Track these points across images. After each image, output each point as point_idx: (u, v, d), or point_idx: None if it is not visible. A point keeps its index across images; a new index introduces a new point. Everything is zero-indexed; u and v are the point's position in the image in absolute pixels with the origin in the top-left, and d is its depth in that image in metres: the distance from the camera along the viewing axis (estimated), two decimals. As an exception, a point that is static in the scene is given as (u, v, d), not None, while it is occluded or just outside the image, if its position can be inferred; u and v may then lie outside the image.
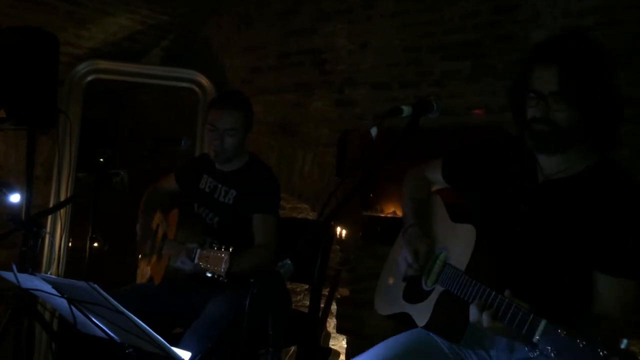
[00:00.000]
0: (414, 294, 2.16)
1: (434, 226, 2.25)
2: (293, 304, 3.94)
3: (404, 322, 2.15)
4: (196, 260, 2.46)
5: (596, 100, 1.81)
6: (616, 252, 1.79)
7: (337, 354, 4.49)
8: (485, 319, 1.68)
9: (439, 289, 2.03)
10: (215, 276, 2.34)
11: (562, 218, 1.86)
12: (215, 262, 2.35)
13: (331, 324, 4.61)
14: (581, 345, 1.39)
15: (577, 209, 1.84)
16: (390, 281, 2.35)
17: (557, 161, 1.92)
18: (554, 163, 1.93)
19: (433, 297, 2.05)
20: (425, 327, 2.03)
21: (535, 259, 1.88)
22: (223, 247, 2.34)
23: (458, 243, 2.04)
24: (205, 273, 2.37)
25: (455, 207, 2.23)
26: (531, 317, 1.55)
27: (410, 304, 2.16)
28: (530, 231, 1.91)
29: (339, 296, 4.36)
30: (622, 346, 1.36)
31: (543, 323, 1.52)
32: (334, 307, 4.41)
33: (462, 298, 1.84)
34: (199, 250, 2.46)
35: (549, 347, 1.45)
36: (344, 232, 4.38)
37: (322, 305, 3.99)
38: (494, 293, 1.70)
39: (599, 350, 1.36)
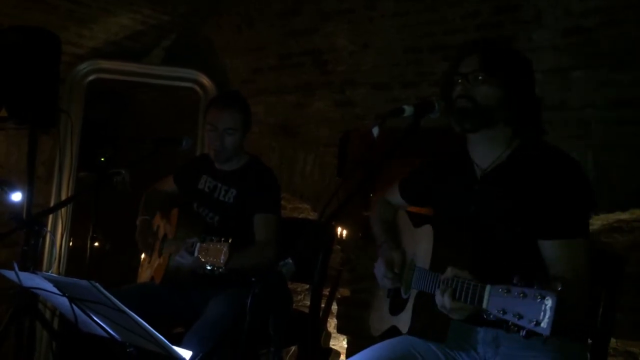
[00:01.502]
0: (397, 306, 2.20)
1: (402, 238, 2.34)
2: (294, 304, 3.94)
3: (394, 337, 2.16)
4: (196, 254, 2.47)
5: (512, 81, 1.98)
6: (553, 216, 1.89)
7: (338, 354, 4.49)
8: (447, 300, 1.75)
9: (414, 292, 2.07)
10: (215, 268, 2.35)
11: (502, 205, 1.97)
12: (215, 253, 2.36)
13: (332, 324, 4.61)
14: (520, 298, 1.48)
15: (510, 193, 1.96)
16: (378, 301, 2.40)
17: (486, 151, 2.05)
18: (484, 154, 2.06)
19: (410, 303, 2.09)
20: (409, 332, 2.05)
21: (491, 249, 1.94)
22: (222, 239, 2.36)
23: (421, 245, 2.11)
24: (205, 266, 2.38)
25: (416, 215, 2.36)
26: (479, 286, 1.65)
27: (395, 315, 2.20)
28: (481, 226, 1.99)
29: (339, 296, 4.37)
30: (558, 288, 1.46)
31: (488, 288, 1.61)
32: (334, 307, 4.42)
33: (431, 294, 1.88)
34: (198, 244, 2.48)
35: (496, 310, 1.54)
36: (344, 232, 4.38)
37: (322, 305, 3.99)
38: (449, 278, 1.78)
39: (534, 296, 1.46)
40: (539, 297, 1.45)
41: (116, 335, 2.14)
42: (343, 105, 4.43)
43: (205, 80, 4.80)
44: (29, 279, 2.18)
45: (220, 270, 2.35)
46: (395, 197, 2.48)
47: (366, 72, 4.33)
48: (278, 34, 4.78)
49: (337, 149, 4.33)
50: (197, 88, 4.80)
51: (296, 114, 4.65)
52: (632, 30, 3.31)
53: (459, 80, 2.01)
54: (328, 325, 4.58)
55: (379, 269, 2.22)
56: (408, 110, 2.03)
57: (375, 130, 2.00)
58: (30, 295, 2.74)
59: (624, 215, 3.41)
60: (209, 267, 2.38)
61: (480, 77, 1.97)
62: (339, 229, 4.33)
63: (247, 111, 3.02)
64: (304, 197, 4.60)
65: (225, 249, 2.33)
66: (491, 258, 1.90)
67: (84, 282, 1.92)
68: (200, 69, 4.83)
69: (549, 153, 1.98)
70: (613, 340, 3.35)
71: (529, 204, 1.91)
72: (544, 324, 1.43)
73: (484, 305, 1.60)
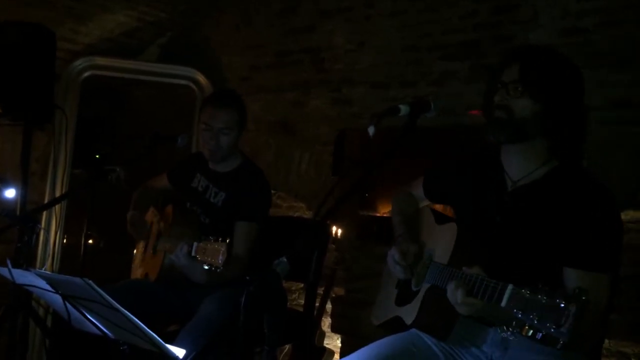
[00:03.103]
0: (404, 297, 2.19)
1: (421, 233, 2.30)
2: (288, 303, 3.94)
3: (395, 328, 2.16)
4: (193, 254, 2.45)
5: (552, 96, 1.91)
6: (582, 247, 1.85)
7: (332, 353, 4.48)
8: (459, 294, 1.73)
9: (425, 286, 2.06)
10: (213, 268, 2.33)
11: (531, 223, 1.93)
12: (213, 253, 2.34)
13: (326, 322, 4.60)
14: (543, 301, 1.47)
15: (542, 213, 1.92)
16: (384, 291, 2.38)
17: (519, 164, 2.00)
18: (517, 167, 2.01)
19: (420, 296, 2.07)
20: (412, 325, 2.05)
21: (511, 261, 1.92)
22: (220, 238, 2.34)
23: (442, 241, 2.09)
24: (202, 266, 2.37)
25: (441, 214, 2.31)
26: (500, 285, 1.63)
27: (400, 306, 2.19)
28: (505, 238, 1.96)
29: (334, 295, 4.36)
30: (583, 298, 1.44)
31: (509, 288, 1.59)
32: (329, 306, 4.41)
33: (443, 289, 1.86)
34: (195, 244, 2.46)
35: (515, 310, 1.53)
36: (339, 231, 4.37)
37: (317, 304, 3.99)
38: (468, 275, 1.77)
39: (558, 301, 1.44)
40: (563, 301, 1.43)
41: (109, 333, 2.13)
42: (340, 104, 4.42)
43: (201, 78, 4.79)
44: (22, 276, 2.17)
45: (218, 270, 2.33)
46: (418, 191, 2.43)
47: (364, 70, 4.32)
48: (276, 32, 4.77)
49: (333, 147, 4.32)
50: (193, 86, 4.79)
51: (293, 111, 4.64)
52: (632, 30, 3.31)
53: (499, 89, 1.96)
54: (322, 324, 4.57)
55: (392, 256, 2.17)
56: (404, 109, 2.02)
57: (371, 129, 1.99)
58: (24, 293, 2.72)
59: (620, 216, 3.40)
60: (206, 267, 2.36)
61: (519, 89, 1.91)
62: (334, 228, 4.32)
63: (243, 110, 2.98)
64: (299, 195, 4.59)
65: (223, 249, 2.31)
66: (509, 270, 1.86)
67: (77, 280, 1.91)
68: (197, 66, 4.81)
69: (588, 183, 1.92)
70: (606, 340, 3.35)
71: (559, 230, 1.87)
72: (563, 329, 1.41)
73: (503, 303, 1.59)
